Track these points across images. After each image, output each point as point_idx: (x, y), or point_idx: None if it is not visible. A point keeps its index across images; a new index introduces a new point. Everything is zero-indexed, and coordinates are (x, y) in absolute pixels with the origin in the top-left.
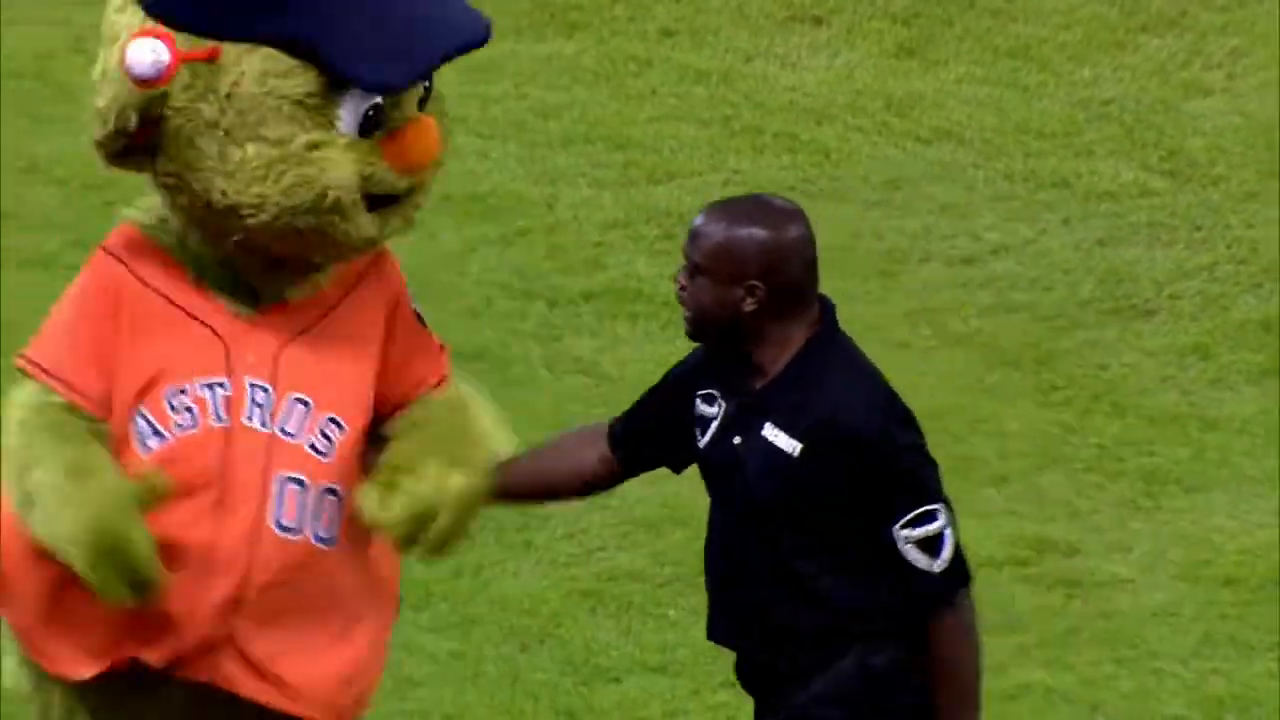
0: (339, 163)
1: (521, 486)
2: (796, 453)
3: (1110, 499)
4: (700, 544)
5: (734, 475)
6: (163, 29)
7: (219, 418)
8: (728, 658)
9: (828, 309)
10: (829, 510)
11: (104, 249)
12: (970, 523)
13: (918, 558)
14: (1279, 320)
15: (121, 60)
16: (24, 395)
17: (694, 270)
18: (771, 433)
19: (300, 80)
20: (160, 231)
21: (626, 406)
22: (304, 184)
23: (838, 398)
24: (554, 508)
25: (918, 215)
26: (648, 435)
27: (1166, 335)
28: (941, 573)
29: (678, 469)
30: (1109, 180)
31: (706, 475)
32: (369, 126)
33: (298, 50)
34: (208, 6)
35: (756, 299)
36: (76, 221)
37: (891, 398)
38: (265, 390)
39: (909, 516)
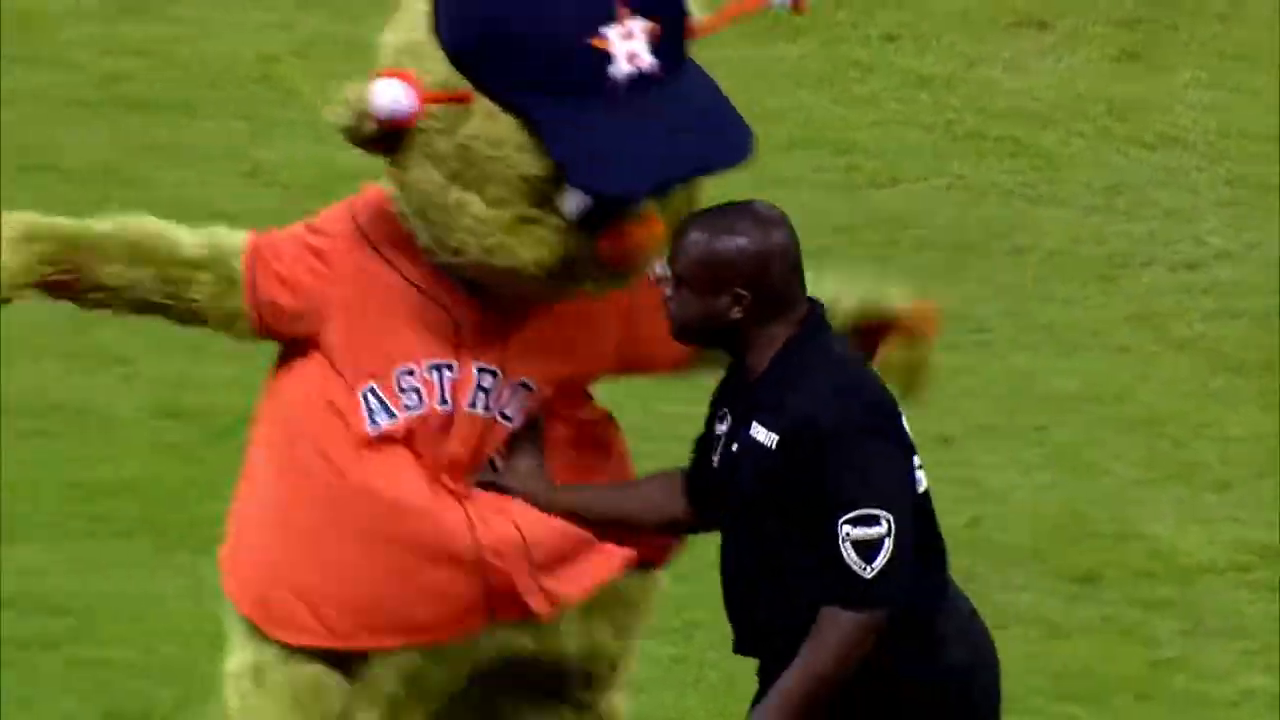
0: (545, 243)
1: (604, 515)
2: (774, 445)
3: None
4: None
5: (738, 479)
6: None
7: (443, 400)
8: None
9: (815, 308)
10: (803, 504)
11: (354, 217)
12: (1193, 528)
13: (852, 558)
14: None
15: (366, 91)
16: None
17: (678, 281)
18: (756, 430)
19: (534, 160)
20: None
21: None
22: (503, 251)
23: (809, 392)
24: None
25: (1141, 220)
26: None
27: None
28: (868, 580)
29: None
30: None
31: (715, 486)
32: (592, 219)
33: (541, 133)
34: (473, 54)
35: (742, 306)
36: None
37: (861, 395)
38: (493, 375)
39: (854, 514)
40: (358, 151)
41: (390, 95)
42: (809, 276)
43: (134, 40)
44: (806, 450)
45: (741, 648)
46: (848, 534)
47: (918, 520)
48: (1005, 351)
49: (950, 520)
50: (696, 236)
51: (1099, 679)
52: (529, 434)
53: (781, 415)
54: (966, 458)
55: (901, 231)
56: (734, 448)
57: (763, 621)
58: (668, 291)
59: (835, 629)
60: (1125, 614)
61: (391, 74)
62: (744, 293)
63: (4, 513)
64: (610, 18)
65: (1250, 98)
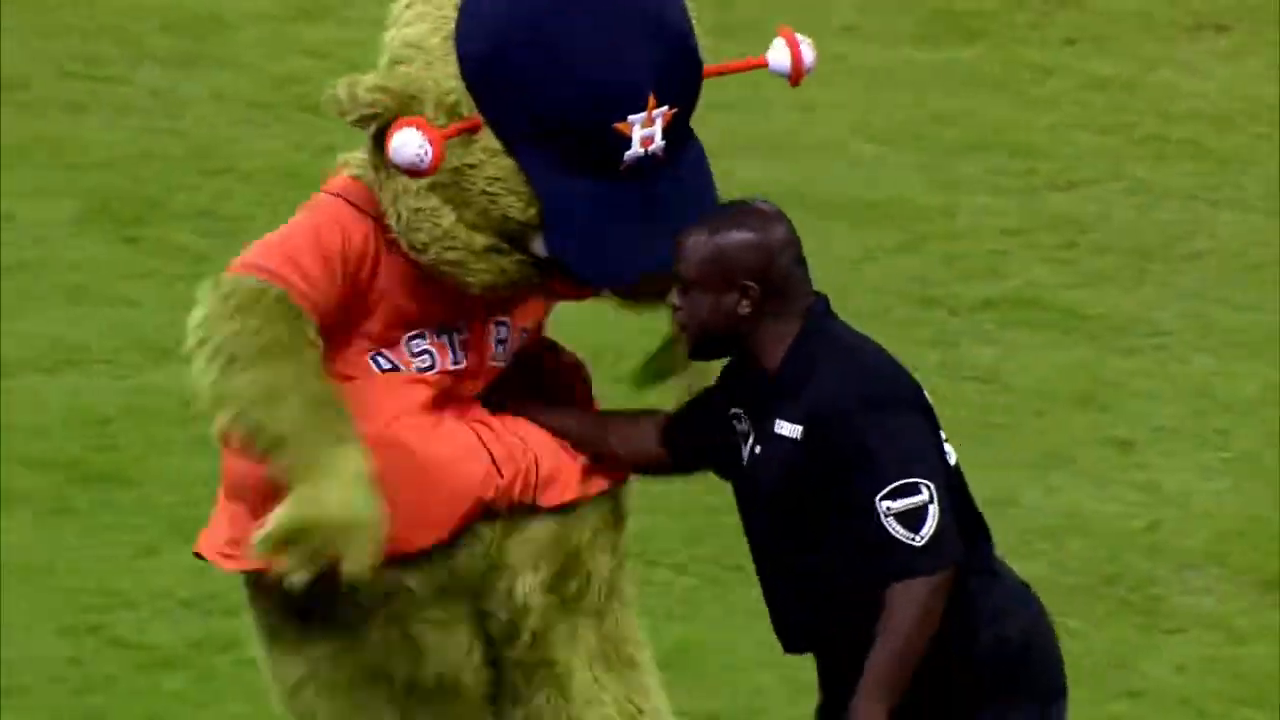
0: (504, 272)
1: (582, 441)
2: (799, 436)
3: None
4: (1100, 553)
5: (759, 479)
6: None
7: (455, 360)
8: (1130, 666)
9: (820, 299)
10: (836, 490)
11: (342, 198)
12: None
13: (898, 529)
14: None
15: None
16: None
17: (687, 286)
18: (780, 426)
19: (522, 208)
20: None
21: (1025, 417)
22: (461, 268)
23: (825, 379)
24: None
25: None
26: (695, 443)
27: None
28: (922, 547)
29: (723, 478)
30: None
31: (740, 490)
32: (557, 263)
33: (544, 207)
34: (494, 93)
35: (751, 299)
36: None
37: (878, 373)
38: (505, 326)
39: (890, 487)
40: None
41: (411, 151)
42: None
43: (309, 42)
44: (831, 434)
45: (793, 647)
46: (888, 509)
47: (952, 495)
48: (1185, 355)
49: (1130, 524)
50: (699, 238)
51: (1276, 681)
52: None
53: (802, 405)
54: (1146, 462)
55: (1079, 235)
56: (758, 450)
57: (812, 620)
58: (675, 302)
59: (908, 602)
60: None
61: (408, 123)
62: (751, 284)
63: (181, 515)
64: (640, 107)
65: None
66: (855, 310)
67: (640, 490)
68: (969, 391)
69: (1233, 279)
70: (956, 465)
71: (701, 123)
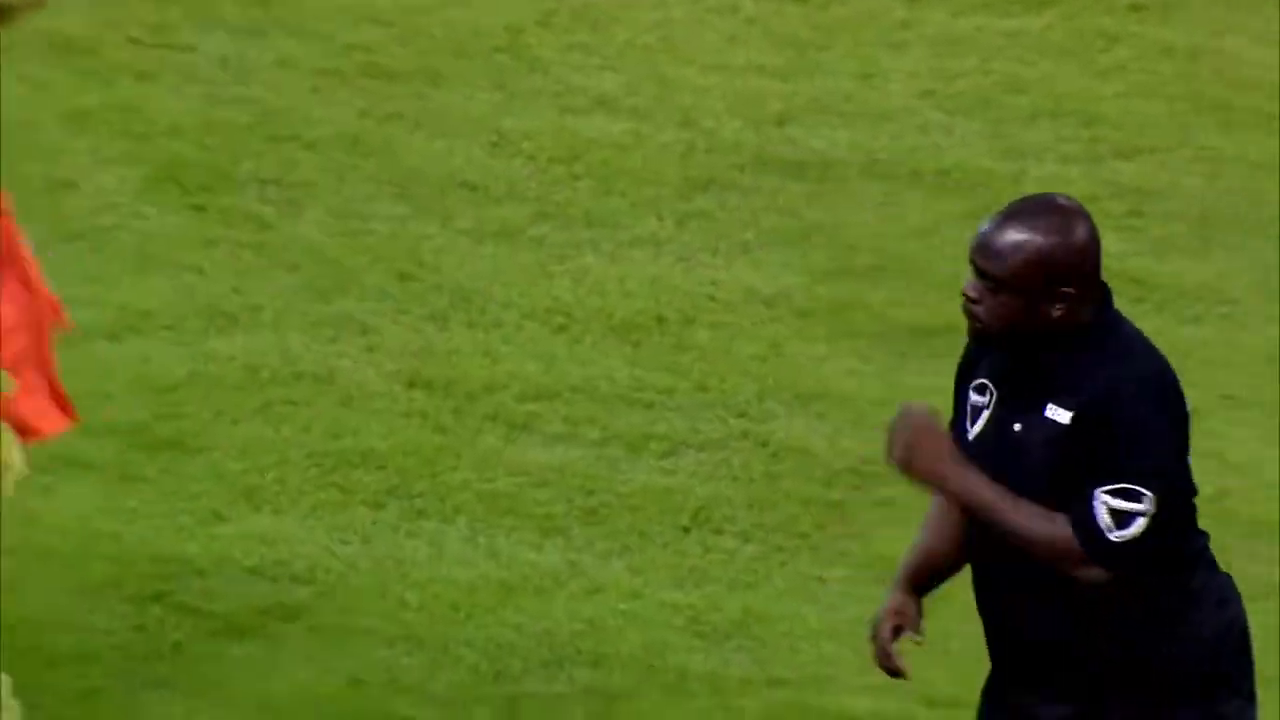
0: None
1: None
2: (1069, 421)
3: None
4: None
5: (1014, 459)
6: None
7: None
8: None
9: (1106, 291)
10: (1082, 474)
11: None
12: None
13: (1104, 520)
14: None
15: None
16: None
17: (998, 286)
18: (1051, 410)
19: None
20: None
21: None
22: None
23: (1107, 371)
24: None
25: None
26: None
27: None
28: (1115, 542)
29: None
30: None
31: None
32: None
33: None
34: None
35: (1067, 304)
36: (543, 194)
37: (1161, 378)
38: None
39: (1118, 485)
40: (601, 121)
41: None
42: None
43: (378, 10)
44: (1097, 424)
45: (996, 621)
46: (1105, 501)
47: (1179, 508)
48: (1253, 324)
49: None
50: (1016, 238)
51: None
52: None
53: (1079, 394)
54: (1213, 429)
55: (1146, 203)
56: (1017, 427)
57: (1018, 603)
58: (977, 293)
59: (1067, 548)
60: None
61: None
62: (1071, 290)
63: (250, 482)
64: None
65: None
66: (926, 280)
67: (703, 459)
68: None
69: None
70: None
71: (766, 89)
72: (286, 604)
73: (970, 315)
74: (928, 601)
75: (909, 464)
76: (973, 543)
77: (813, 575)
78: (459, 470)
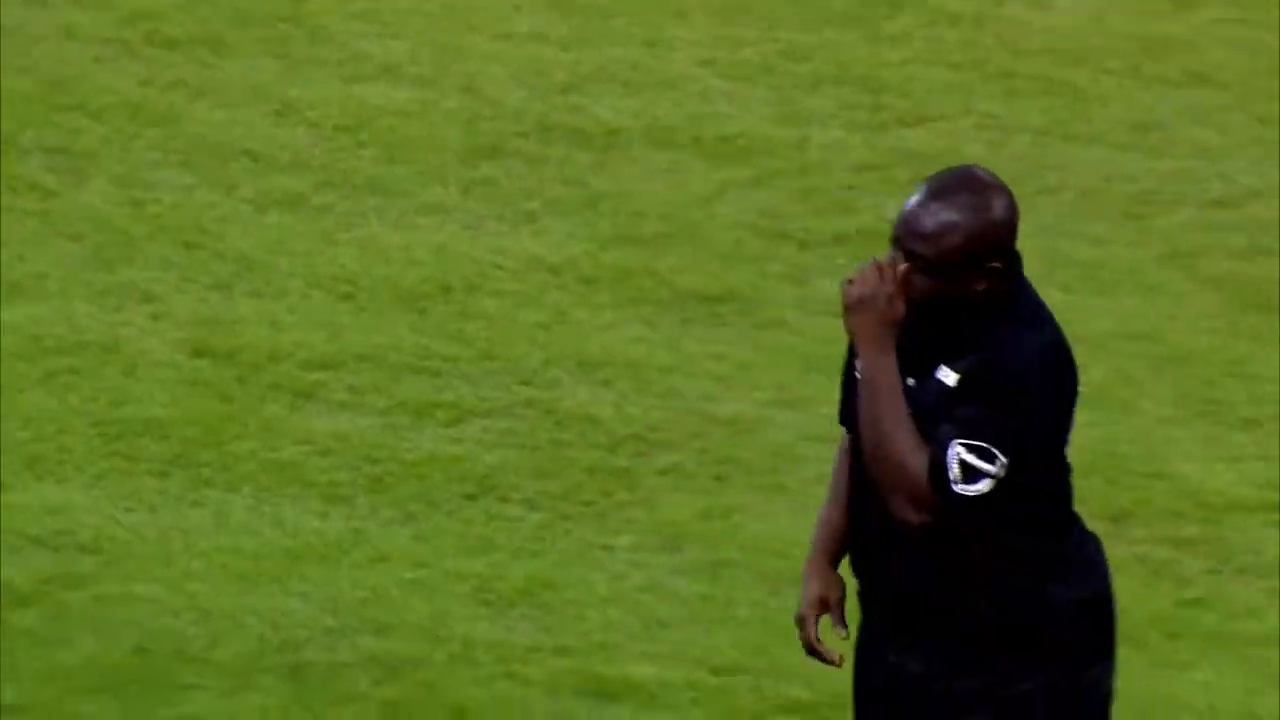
0: None
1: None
2: (954, 384)
3: None
4: None
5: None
6: None
7: None
8: None
9: (1018, 260)
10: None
11: None
12: (1219, 467)
13: (954, 469)
14: None
15: None
16: None
17: (927, 266)
18: (942, 373)
19: None
20: None
21: None
22: None
23: (1001, 339)
24: (805, 449)
25: (1170, 158)
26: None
27: None
28: (958, 494)
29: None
30: None
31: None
32: None
33: None
34: None
35: (992, 280)
36: (328, 162)
37: (1049, 351)
38: None
39: (976, 442)
40: (385, 89)
41: None
42: None
43: None
44: (977, 387)
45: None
46: (959, 453)
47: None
48: (1038, 290)
49: None
50: (949, 218)
51: (1129, 617)
52: None
53: (967, 358)
54: None
55: (930, 170)
56: (910, 382)
57: (896, 563)
58: (899, 268)
59: (915, 482)
60: (1155, 552)
61: None
62: (997, 265)
63: (34, 451)
64: None
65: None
66: (709, 247)
67: (489, 426)
68: (822, 326)
69: (1084, 213)
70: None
71: (551, 57)
72: (71, 573)
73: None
74: (716, 568)
75: (854, 312)
76: (854, 495)
77: (598, 543)
78: (244, 439)
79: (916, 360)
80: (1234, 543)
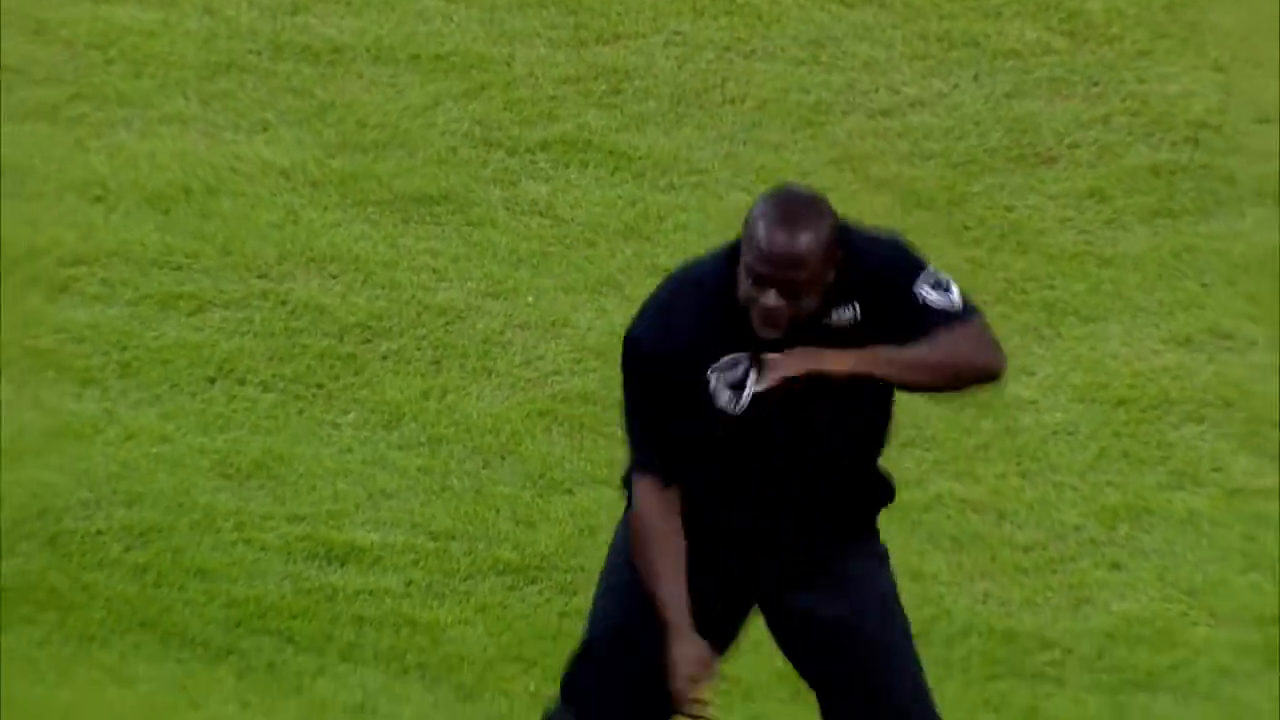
0: None
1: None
2: (859, 314)
3: (1015, 328)
4: None
5: (803, 402)
6: None
7: None
8: None
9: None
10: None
11: None
12: None
13: (937, 299)
14: (1167, 166)
15: None
16: None
17: (802, 289)
18: (833, 315)
19: None
20: None
21: (578, 247)
22: None
23: (862, 259)
24: (512, 335)
25: (842, 71)
26: (673, 447)
27: (1066, 180)
28: (960, 303)
29: (711, 437)
30: (1015, 39)
31: (754, 429)
32: None
33: None
34: None
35: (836, 265)
36: (79, 77)
37: (897, 238)
38: None
39: (933, 280)
40: (133, 10)
41: None
42: None
43: None
44: (880, 293)
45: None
46: (925, 293)
47: None
48: (722, 192)
49: None
50: (809, 239)
51: None
52: None
53: (854, 288)
54: None
55: (625, 83)
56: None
57: (810, 511)
58: (781, 304)
59: (960, 333)
60: None
61: None
62: (841, 253)
63: None
64: None
65: None
66: (425, 154)
67: (228, 316)
68: (528, 224)
69: (764, 122)
70: None
71: None
72: None
73: (773, 323)
74: (433, 444)
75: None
76: (752, 479)
77: (327, 420)
78: (5, 329)
79: (793, 340)
80: (899, 419)
